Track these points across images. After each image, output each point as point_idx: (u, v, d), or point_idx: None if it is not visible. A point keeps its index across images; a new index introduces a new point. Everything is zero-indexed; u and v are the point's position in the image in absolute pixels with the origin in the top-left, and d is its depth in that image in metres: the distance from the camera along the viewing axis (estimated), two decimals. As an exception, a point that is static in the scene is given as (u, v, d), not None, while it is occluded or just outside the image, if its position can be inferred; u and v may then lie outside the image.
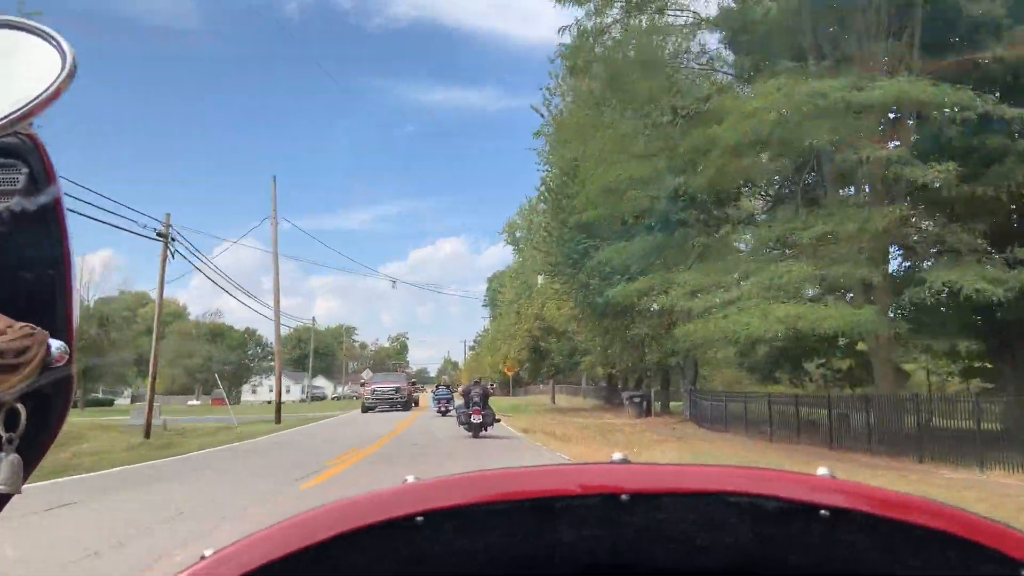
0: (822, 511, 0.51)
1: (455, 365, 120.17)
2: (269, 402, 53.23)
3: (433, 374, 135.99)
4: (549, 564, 0.55)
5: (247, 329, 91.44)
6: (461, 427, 17.54)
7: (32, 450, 0.63)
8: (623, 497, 0.52)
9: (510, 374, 31.58)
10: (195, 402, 71.37)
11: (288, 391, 79.04)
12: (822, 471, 0.54)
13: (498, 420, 18.79)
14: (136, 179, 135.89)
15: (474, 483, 0.53)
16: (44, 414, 0.64)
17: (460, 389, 21.79)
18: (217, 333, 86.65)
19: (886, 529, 0.50)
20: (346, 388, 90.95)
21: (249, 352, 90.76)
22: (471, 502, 0.52)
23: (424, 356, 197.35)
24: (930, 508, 0.50)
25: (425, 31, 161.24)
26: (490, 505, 0.52)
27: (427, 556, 0.52)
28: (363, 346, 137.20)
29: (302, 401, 72.88)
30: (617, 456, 0.56)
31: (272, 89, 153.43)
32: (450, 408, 27.45)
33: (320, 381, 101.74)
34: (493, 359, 66.86)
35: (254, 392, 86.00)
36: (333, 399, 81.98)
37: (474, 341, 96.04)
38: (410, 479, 0.54)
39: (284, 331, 78.98)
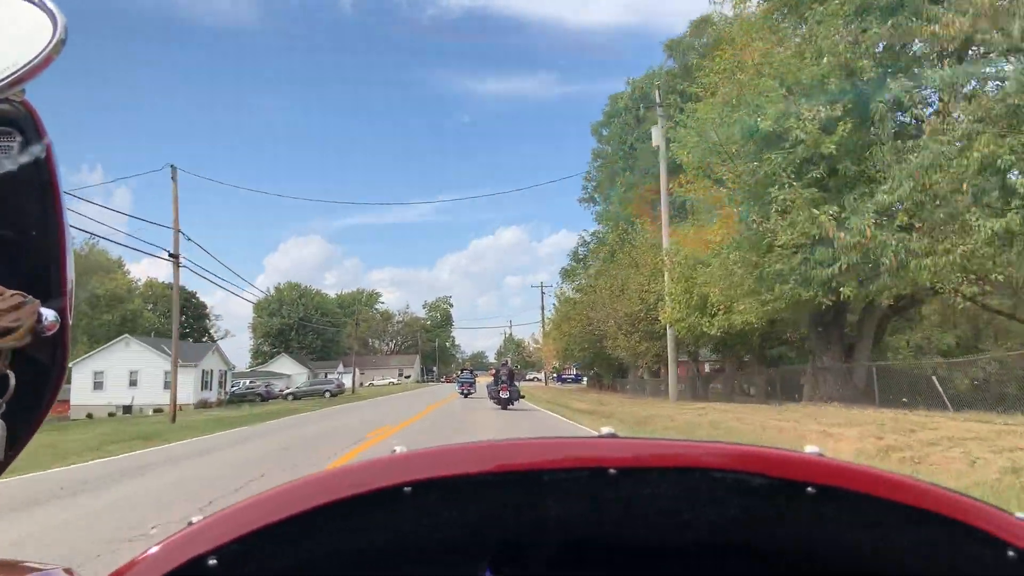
0: (808, 488, 0.50)
1: (519, 344, 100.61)
2: (159, 410, 33.89)
3: (492, 358, 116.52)
4: (536, 536, 0.55)
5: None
6: (491, 401, 21.49)
7: (26, 421, 0.62)
8: (611, 471, 0.52)
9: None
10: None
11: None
12: (810, 448, 0.54)
13: (522, 396, 22.07)
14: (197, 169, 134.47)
15: (463, 454, 0.52)
16: (38, 385, 0.62)
17: (491, 371, 25.39)
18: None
19: (873, 507, 0.50)
20: (357, 375, 60.68)
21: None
22: (459, 473, 0.51)
23: (485, 344, 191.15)
24: (918, 487, 0.50)
25: (478, 19, 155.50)
26: (478, 477, 0.52)
27: (414, 526, 0.52)
28: (386, 316, 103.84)
29: (197, 406, 41.81)
30: (606, 430, 0.56)
31: (328, 85, 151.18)
32: (472, 391, 30.70)
33: (287, 364, 70.00)
34: (637, 270, 29.43)
35: (97, 386, 47.74)
36: (286, 395, 54.64)
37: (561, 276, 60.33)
38: (398, 449, 0.53)
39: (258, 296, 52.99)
